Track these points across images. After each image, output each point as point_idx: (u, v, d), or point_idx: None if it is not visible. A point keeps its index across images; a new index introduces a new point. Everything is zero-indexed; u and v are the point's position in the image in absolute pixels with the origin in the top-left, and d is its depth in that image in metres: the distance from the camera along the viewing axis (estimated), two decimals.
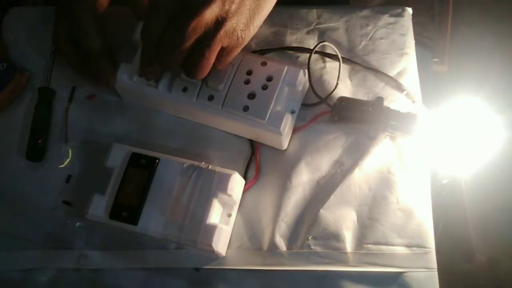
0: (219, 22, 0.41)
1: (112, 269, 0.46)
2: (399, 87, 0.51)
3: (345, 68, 0.52)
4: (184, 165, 0.45)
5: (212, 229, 0.43)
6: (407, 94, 0.51)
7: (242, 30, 0.43)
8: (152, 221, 0.44)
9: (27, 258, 0.47)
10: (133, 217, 0.44)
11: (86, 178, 0.50)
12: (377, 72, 0.52)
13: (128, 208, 0.44)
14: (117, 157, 0.46)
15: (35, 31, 0.56)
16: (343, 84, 0.51)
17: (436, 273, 0.45)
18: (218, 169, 0.45)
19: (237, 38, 0.43)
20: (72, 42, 0.51)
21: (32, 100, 0.53)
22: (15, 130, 0.52)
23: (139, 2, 0.53)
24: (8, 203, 0.49)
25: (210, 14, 0.40)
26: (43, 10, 0.57)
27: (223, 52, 0.44)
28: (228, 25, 0.41)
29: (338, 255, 0.45)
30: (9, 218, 0.49)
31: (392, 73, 0.52)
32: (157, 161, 0.45)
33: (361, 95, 0.51)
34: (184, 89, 0.48)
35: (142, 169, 0.45)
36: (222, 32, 0.41)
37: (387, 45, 0.53)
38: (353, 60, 0.52)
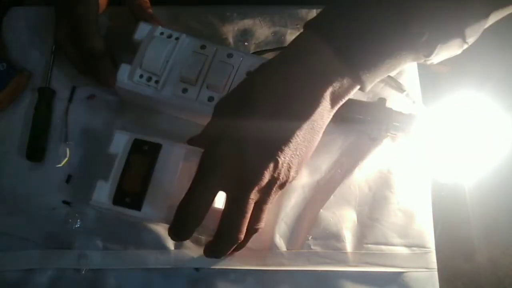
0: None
1: (112, 269, 0.46)
2: (399, 87, 0.51)
3: None
4: (187, 151, 0.45)
5: (215, 213, 0.42)
6: (407, 95, 0.51)
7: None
8: (156, 206, 0.44)
9: (27, 258, 0.47)
10: (136, 203, 0.43)
11: (86, 178, 0.50)
12: None
13: (131, 194, 0.44)
14: (119, 144, 0.45)
15: (35, 31, 0.56)
16: None
17: (436, 273, 0.45)
18: None
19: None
20: (74, 42, 0.51)
21: (32, 100, 0.53)
22: (15, 130, 0.52)
23: (139, 2, 0.53)
24: (8, 203, 0.49)
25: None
26: (43, 10, 0.57)
27: None
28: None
29: (338, 255, 0.45)
30: (9, 218, 0.49)
31: (392, 73, 0.51)
32: (159, 147, 0.45)
33: (361, 96, 0.51)
34: (184, 90, 0.48)
35: (144, 155, 0.45)
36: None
37: None
38: None
